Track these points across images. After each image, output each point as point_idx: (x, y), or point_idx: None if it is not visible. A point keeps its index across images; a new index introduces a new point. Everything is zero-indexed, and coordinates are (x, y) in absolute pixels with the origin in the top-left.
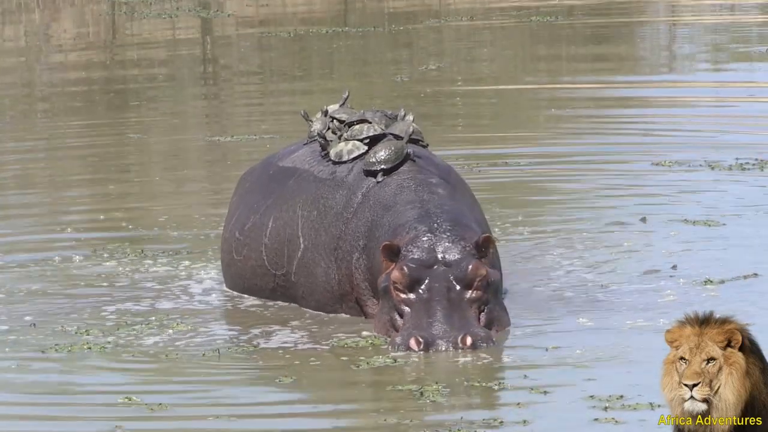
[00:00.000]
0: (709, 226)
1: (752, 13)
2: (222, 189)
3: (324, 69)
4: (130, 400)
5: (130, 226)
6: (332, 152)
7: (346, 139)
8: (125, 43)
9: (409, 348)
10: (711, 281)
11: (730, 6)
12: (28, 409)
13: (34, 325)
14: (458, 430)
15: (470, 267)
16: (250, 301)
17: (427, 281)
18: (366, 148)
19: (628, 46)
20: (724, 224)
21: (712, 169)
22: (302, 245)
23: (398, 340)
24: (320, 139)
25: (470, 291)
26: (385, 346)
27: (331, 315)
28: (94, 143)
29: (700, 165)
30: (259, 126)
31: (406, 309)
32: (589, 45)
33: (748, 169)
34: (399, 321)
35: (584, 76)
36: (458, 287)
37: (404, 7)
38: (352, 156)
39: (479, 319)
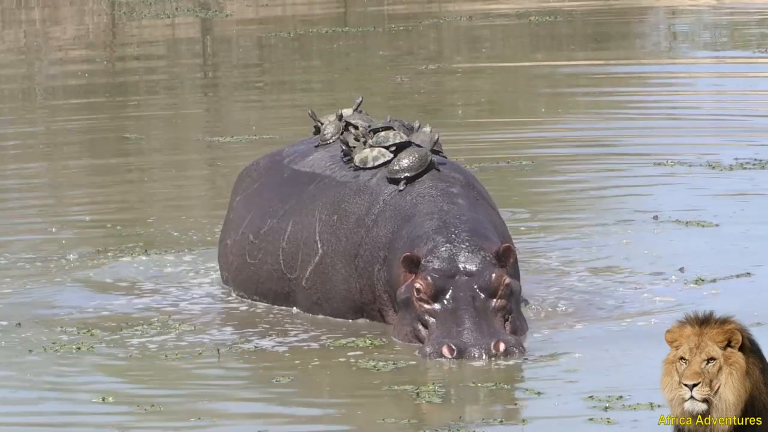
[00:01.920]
0: (703, 226)
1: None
2: (221, 189)
3: (324, 69)
4: (126, 400)
5: (130, 227)
6: (357, 158)
7: (372, 146)
8: (125, 43)
9: (441, 356)
10: (703, 280)
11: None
12: (24, 408)
13: (19, 324)
14: (457, 430)
15: (494, 276)
16: (248, 301)
17: (451, 291)
18: (391, 155)
19: (628, 45)
20: (717, 224)
21: (713, 168)
22: (320, 250)
23: (429, 349)
24: (343, 146)
25: (495, 300)
26: (383, 348)
27: (328, 316)
28: (93, 143)
29: (701, 164)
30: (258, 126)
31: (431, 320)
32: (590, 45)
33: (749, 168)
34: (423, 332)
35: (584, 78)
36: (483, 296)
37: (404, 7)
38: (377, 163)
39: (505, 327)
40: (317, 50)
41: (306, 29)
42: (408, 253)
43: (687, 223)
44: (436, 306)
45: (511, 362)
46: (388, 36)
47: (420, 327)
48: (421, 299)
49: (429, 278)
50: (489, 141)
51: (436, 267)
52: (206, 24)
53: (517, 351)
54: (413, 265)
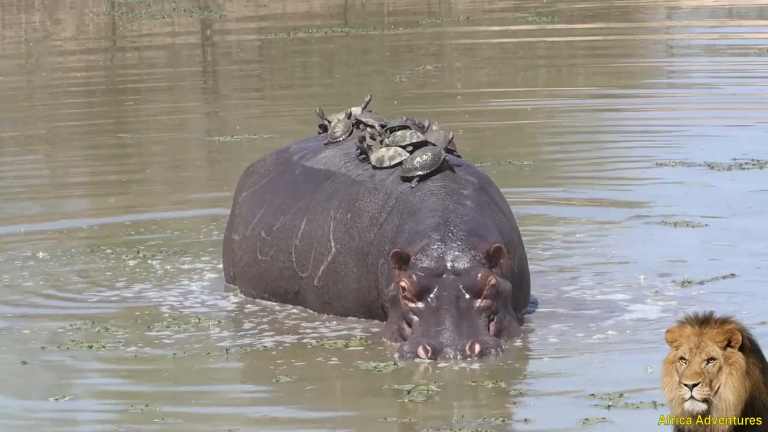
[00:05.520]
0: (693, 227)
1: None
2: (222, 189)
3: (323, 69)
4: (130, 399)
5: (130, 226)
6: (373, 157)
7: (388, 145)
8: (124, 43)
9: (417, 356)
10: (690, 282)
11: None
12: (26, 407)
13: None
14: (459, 429)
15: (479, 276)
16: (248, 300)
17: (436, 290)
18: (408, 155)
19: (630, 51)
20: (706, 225)
21: (711, 168)
22: (333, 249)
23: (406, 348)
24: (360, 144)
25: (480, 300)
26: (382, 348)
27: (328, 315)
28: (93, 144)
29: (700, 165)
30: (258, 126)
31: (415, 318)
32: (590, 51)
33: (748, 168)
34: (407, 330)
35: (584, 87)
36: (468, 296)
37: (404, 8)
38: (393, 162)
39: (489, 328)
40: (317, 50)
41: (305, 29)
42: (397, 250)
43: (676, 224)
44: (420, 305)
45: (510, 360)
46: (388, 36)
47: (405, 326)
48: (406, 297)
49: (414, 277)
50: (489, 143)
51: (423, 265)
52: (205, 24)
53: (493, 352)
54: (402, 262)
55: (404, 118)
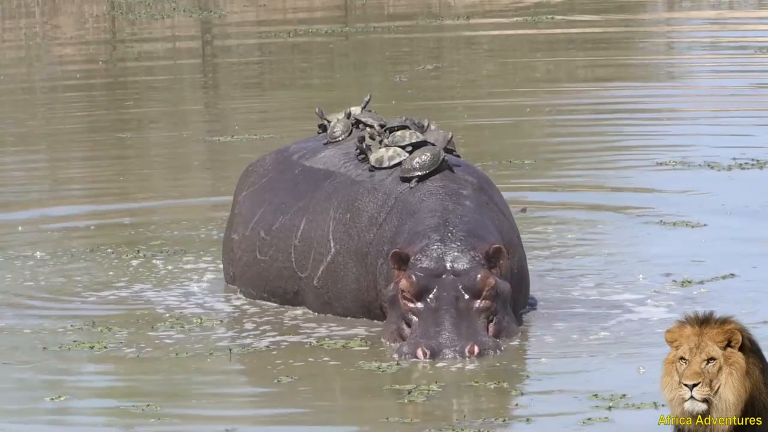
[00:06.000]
0: (692, 227)
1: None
2: (221, 189)
3: (323, 69)
4: (131, 399)
5: (130, 226)
6: (372, 158)
7: (387, 146)
8: (124, 40)
9: (415, 357)
10: (690, 282)
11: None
12: (26, 408)
13: None
14: (461, 429)
15: (479, 276)
16: (248, 301)
17: (435, 290)
18: (407, 155)
19: (630, 52)
20: (705, 224)
21: (711, 168)
22: (333, 249)
23: (405, 348)
24: (359, 144)
25: (479, 300)
26: (383, 348)
27: (328, 315)
28: (93, 144)
29: (700, 165)
30: (258, 126)
31: (414, 318)
32: (590, 50)
33: (748, 168)
34: (406, 330)
35: (584, 84)
36: (467, 296)
37: (404, 7)
38: (393, 162)
39: (488, 328)
40: (317, 49)
41: (305, 29)
42: (397, 250)
43: (675, 223)
44: (419, 305)
45: (513, 361)
46: (388, 35)
47: (404, 326)
48: (405, 297)
49: (413, 277)
50: (488, 144)
51: (422, 266)
52: (205, 23)
53: (492, 354)
54: (402, 262)
55: (404, 118)
